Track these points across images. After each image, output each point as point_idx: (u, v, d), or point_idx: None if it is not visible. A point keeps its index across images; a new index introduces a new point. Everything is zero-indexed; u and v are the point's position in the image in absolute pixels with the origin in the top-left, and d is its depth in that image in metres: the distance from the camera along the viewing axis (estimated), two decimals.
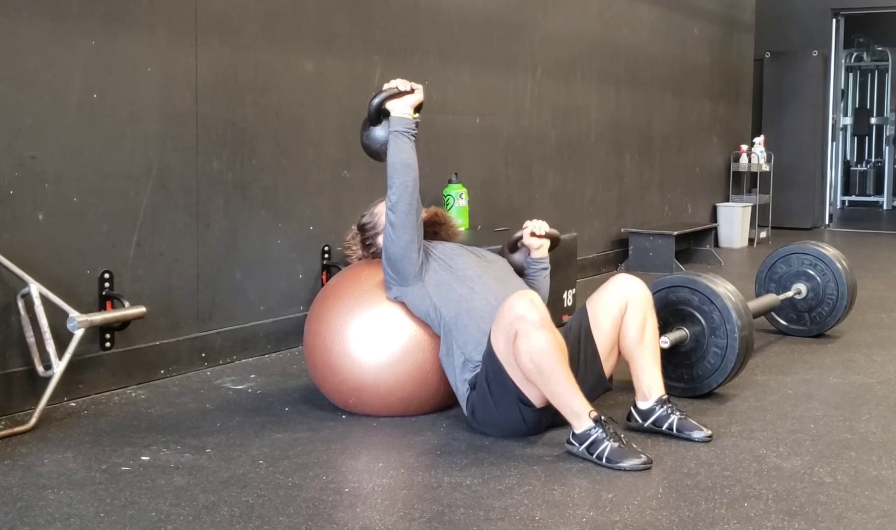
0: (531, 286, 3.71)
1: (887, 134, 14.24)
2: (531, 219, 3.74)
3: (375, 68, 5.15)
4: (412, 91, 3.51)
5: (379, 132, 3.54)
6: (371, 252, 3.78)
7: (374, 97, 3.50)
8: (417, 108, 3.54)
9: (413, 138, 3.50)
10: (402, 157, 3.46)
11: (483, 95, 6.09)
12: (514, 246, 3.79)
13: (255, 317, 4.55)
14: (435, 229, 3.78)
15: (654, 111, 8.30)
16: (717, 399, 3.85)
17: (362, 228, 3.79)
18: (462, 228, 3.85)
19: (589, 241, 7.20)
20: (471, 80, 5.92)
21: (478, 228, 5.72)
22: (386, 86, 3.53)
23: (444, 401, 3.62)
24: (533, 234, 3.70)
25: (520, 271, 3.79)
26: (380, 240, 3.67)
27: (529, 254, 3.77)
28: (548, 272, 3.81)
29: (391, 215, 3.47)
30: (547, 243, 3.76)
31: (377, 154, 3.59)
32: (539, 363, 3.08)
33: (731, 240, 9.16)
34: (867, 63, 14.45)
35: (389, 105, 3.50)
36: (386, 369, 3.51)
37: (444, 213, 3.88)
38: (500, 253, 3.83)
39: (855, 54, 14.17)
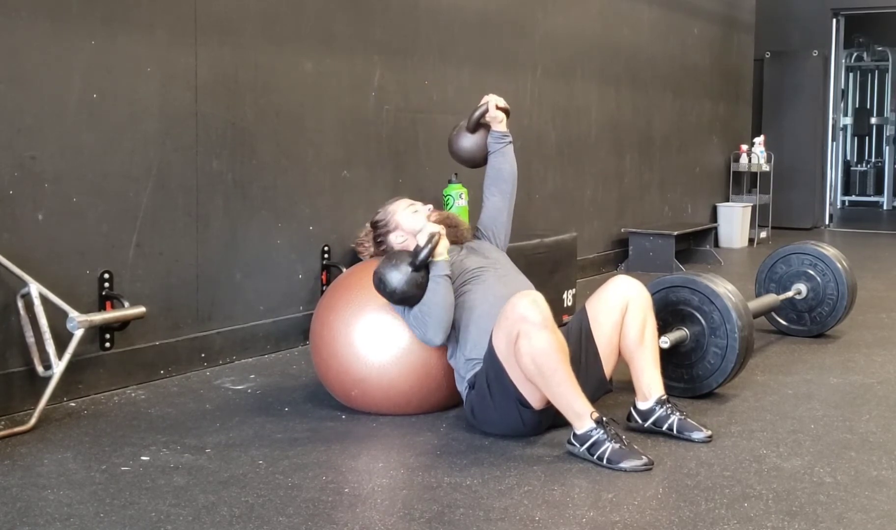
0: (501, 163, 3.87)
1: (887, 134, 14.24)
2: (486, 96, 3.89)
3: (375, 68, 5.15)
4: (438, 239, 3.50)
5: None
6: (382, 250, 3.79)
7: (421, 251, 3.43)
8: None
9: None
10: (450, 300, 3.45)
11: (483, 95, 6.07)
12: (477, 125, 3.88)
13: (255, 318, 4.55)
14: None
15: (654, 111, 8.30)
16: (717, 399, 3.85)
17: (375, 225, 3.80)
18: (470, 230, 3.87)
19: (589, 241, 7.19)
20: (471, 80, 5.91)
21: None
22: (425, 235, 3.49)
23: (447, 399, 3.62)
24: (498, 107, 3.85)
25: (482, 152, 3.90)
26: (391, 237, 3.69)
27: (490, 130, 3.88)
28: (512, 143, 3.92)
29: (425, 342, 3.48)
30: (505, 116, 3.90)
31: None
32: (541, 364, 3.07)
33: (731, 240, 9.16)
34: (867, 63, 14.45)
35: (437, 250, 3.49)
36: (390, 362, 3.53)
37: (455, 217, 3.88)
38: (455, 136, 3.93)
39: (855, 54, 14.17)
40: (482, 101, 3.87)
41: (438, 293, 3.42)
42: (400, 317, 3.55)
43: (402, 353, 3.53)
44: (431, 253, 3.44)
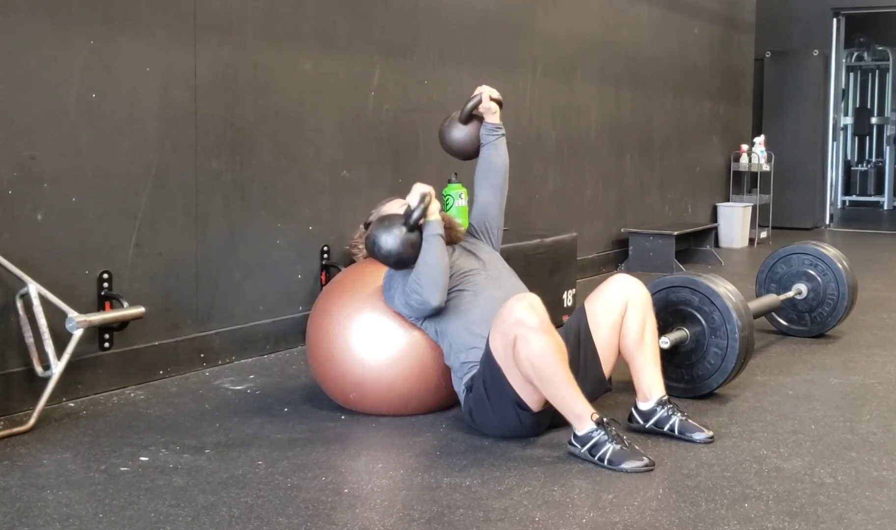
0: (493, 155, 3.83)
1: (888, 134, 14.24)
2: (479, 87, 3.83)
3: (375, 68, 5.15)
4: (430, 199, 3.48)
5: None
6: None
7: (413, 211, 3.40)
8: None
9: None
10: (445, 261, 3.43)
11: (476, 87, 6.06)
12: (469, 117, 3.85)
13: (255, 318, 4.54)
14: None
15: (654, 111, 8.29)
16: (718, 399, 3.84)
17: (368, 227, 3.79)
18: (464, 230, 3.85)
19: (589, 241, 7.19)
20: (471, 80, 5.89)
21: None
22: (417, 195, 3.44)
23: (445, 399, 3.62)
24: (491, 98, 3.79)
25: (475, 144, 3.86)
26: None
27: (483, 122, 3.84)
28: (504, 135, 3.88)
29: (423, 309, 3.40)
30: (498, 107, 3.85)
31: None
32: (539, 367, 3.07)
33: (732, 240, 9.15)
34: (868, 63, 14.45)
35: (429, 210, 3.47)
36: (387, 364, 3.52)
37: (448, 218, 3.86)
38: (447, 128, 3.89)
39: (855, 54, 14.17)
40: (475, 92, 3.84)
41: (430, 253, 3.40)
42: (390, 306, 3.53)
43: (399, 356, 3.52)
44: (424, 213, 3.42)
